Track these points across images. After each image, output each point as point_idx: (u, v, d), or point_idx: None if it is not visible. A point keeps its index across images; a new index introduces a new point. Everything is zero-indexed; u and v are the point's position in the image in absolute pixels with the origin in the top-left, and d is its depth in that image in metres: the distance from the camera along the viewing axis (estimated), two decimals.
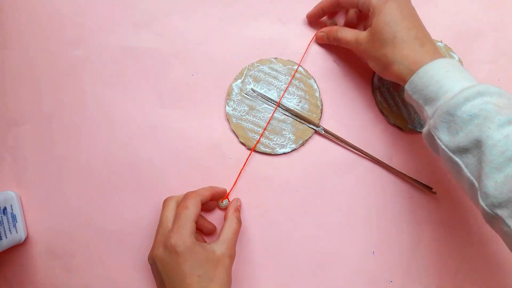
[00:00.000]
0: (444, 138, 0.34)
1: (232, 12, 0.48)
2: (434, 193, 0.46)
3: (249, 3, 0.48)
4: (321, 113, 0.47)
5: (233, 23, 0.48)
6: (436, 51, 0.38)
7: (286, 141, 0.47)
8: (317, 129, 0.46)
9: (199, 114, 0.48)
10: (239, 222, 0.43)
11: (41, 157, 0.48)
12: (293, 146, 0.47)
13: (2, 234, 0.43)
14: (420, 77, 0.36)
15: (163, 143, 0.48)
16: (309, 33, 0.48)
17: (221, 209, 0.46)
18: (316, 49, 0.48)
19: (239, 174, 0.47)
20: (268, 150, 0.47)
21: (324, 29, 0.47)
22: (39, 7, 0.48)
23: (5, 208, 0.44)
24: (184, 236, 0.37)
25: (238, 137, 0.47)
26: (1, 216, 0.43)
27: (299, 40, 0.48)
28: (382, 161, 0.47)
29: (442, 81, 0.35)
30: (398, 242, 0.46)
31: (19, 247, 0.47)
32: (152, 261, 0.39)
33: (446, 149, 0.34)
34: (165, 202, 0.42)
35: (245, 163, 0.47)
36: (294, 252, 0.47)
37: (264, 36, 0.48)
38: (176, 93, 0.48)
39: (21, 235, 0.46)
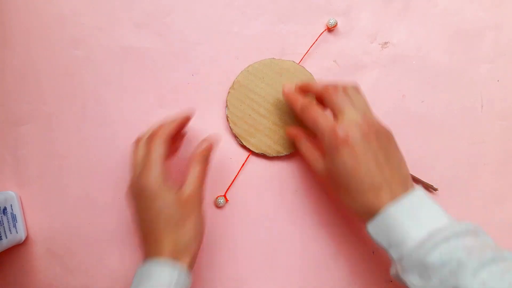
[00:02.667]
0: (417, 283, 0.32)
1: (232, 12, 0.48)
2: (436, 189, 0.46)
3: (249, 3, 0.48)
4: None
5: (233, 23, 0.48)
6: (394, 190, 0.35)
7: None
8: None
9: (199, 114, 0.48)
10: (204, 162, 0.41)
11: (41, 157, 0.48)
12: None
13: (2, 234, 0.43)
14: (381, 222, 0.34)
15: None
16: (309, 33, 0.48)
17: (218, 207, 0.46)
18: (317, 49, 0.48)
19: (237, 174, 0.47)
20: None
21: (293, 130, 0.44)
22: (39, 7, 0.48)
23: (5, 208, 0.44)
24: (152, 177, 0.37)
25: (238, 138, 0.47)
26: (1, 216, 0.44)
27: (299, 40, 0.48)
28: None
29: (407, 224, 0.33)
30: None
31: (19, 247, 0.47)
32: (128, 200, 0.40)
33: None
34: (135, 144, 0.41)
35: (243, 164, 0.47)
36: (294, 252, 0.47)
37: (264, 36, 0.48)
38: (176, 93, 0.48)
39: (21, 235, 0.46)
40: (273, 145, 0.46)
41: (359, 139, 0.36)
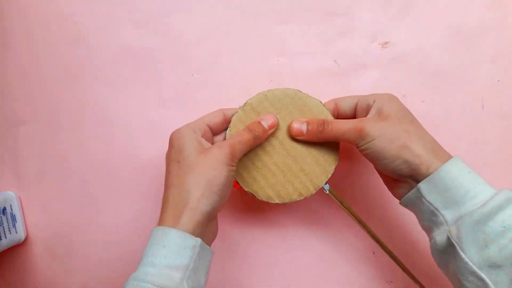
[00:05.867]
0: (470, 251, 0.30)
1: (232, 12, 0.48)
2: None
3: (249, 3, 0.48)
4: None
5: (233, 23, 0.48)
6: (444, 154, 0.34)
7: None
8: None
9: (199, 114, 0.48)
10: (251, 133, 0.37)
11: (41, 157, 0.48)
12: None
13: (2, 234, 0.43)
14: (439, 180, 0.32)
15: (163, 143, 0.48)
16: (310, 33, 0.48)
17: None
18: (317, 49, 0.48)
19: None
20: None
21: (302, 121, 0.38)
22: (39, 7, 0.48)
23: (4, 208, 0.44)
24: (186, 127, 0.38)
25: None
26: (1, 216, 0.44)
27: (299, 40, 0.48)
28: None
29: (468, 183, 0.31)
30: (398, 242, 0.46)
31: (19, 247, 0.47)
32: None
33: (469, 263, 0.30)
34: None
35: None
36: (294, 252, 0.47)
37: (264, 36, 0.48)
38: (176, 93, 0.48)
39: (20, 235, 0.46)
40: (266, 188, 0.40)
41: (400, 111, 0.36)
